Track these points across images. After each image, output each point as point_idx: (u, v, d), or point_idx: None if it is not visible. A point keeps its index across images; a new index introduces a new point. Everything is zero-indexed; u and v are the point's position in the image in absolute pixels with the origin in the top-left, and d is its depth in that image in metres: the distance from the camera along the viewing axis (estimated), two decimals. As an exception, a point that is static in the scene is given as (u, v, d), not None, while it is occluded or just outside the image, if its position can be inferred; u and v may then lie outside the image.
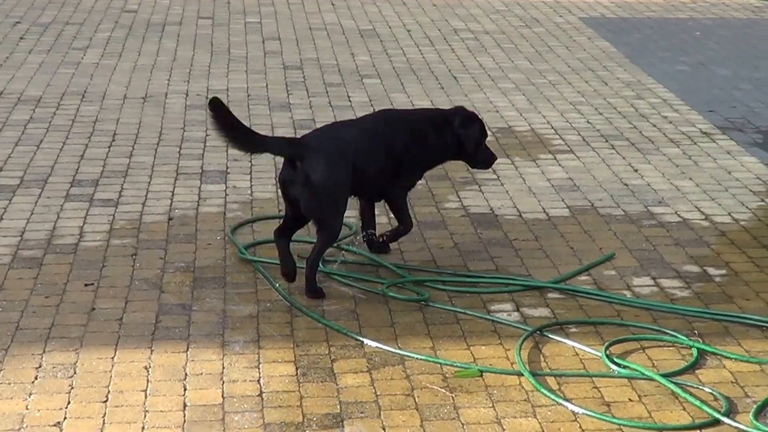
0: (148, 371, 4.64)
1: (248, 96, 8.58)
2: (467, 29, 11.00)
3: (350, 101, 8.50)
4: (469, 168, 7.03)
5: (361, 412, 4.37)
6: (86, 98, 8.46)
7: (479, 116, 5.93)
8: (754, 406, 4.45)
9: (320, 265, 5.54)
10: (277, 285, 5.38)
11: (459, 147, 5.79)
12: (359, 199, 5.79)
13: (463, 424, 4.30)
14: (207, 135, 7.63)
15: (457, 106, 6.04)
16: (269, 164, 7.07)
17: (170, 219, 6.21)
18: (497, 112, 8.35)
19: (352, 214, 6.30)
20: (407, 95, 8.68)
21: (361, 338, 4.92)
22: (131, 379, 4.57)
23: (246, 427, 4.26)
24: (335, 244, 5.81)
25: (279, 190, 5.73)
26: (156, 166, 7.04)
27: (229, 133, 5.27)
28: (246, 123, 7.76)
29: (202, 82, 8.94)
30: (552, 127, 8.00)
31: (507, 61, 9.82)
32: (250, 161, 7.11)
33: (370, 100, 8.53)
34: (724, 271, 5.75)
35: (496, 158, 5.96)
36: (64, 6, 11.56)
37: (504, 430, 4.28)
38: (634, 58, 10.06)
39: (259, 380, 4.58)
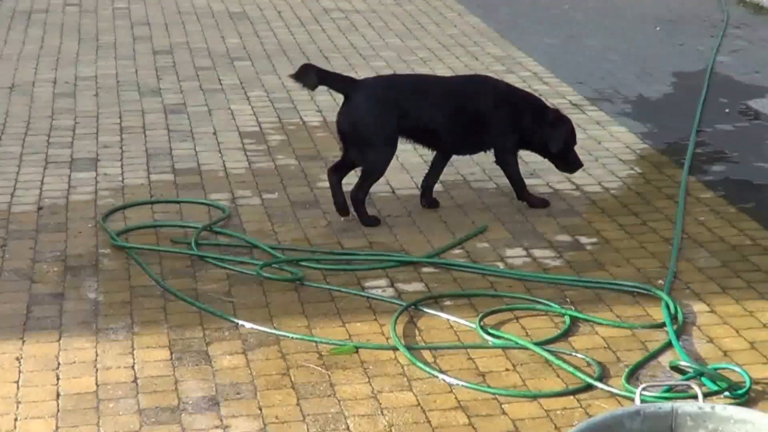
0: (19, 362, 4.56)
1: (118, 82, 8.48)
2: (338, 9, 10.99)
3: (221, 84, 8.45)
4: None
5: (237, 393, 4.35)
6: (-49, 89, 8.30)
7: (570, 123, 6.22)
8: (626, 370, 4.52)
9: (195, 247, 5.53)
10: (151, 270, 5.32)
11: (542, 144, 6.19)
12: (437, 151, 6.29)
13: (339, 401, 4.31)
14: (76, 123, 7.53)
15: (555, 107, 6.42)
16: (140, 150, 7.01)
17: (40, 208, 6.11)
18: (369, 90, 8.35)
19: (225, 196, 6.29)
20: (278, 77, 8.65)
21: (235, 320, 4.90)
22: (2, 371, 4.50)
23: (121, 413, 4.21)
24: (208, 228, 5.80)
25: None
26: (24, 155, 6.92)
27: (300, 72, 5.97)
28: (115, 109, 7.79)
29: (70, 70, 8.81)
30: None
31: (378, 39, 9.83)
32: (121, 148, 7.04)
33: (241, 83, 8.48)
34: (595, 240, 5.84)
35: (581, 166, 6.32)
36: (-75, -4, 11.32)
37: (380, 404, 4.29)
38: (504, 32, 10.14)
39: (133, 366, 4.54)
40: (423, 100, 6.06)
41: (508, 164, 6.21)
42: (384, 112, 5.96)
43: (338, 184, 5.99)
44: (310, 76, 5.95)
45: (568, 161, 6.27)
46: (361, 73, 8.75)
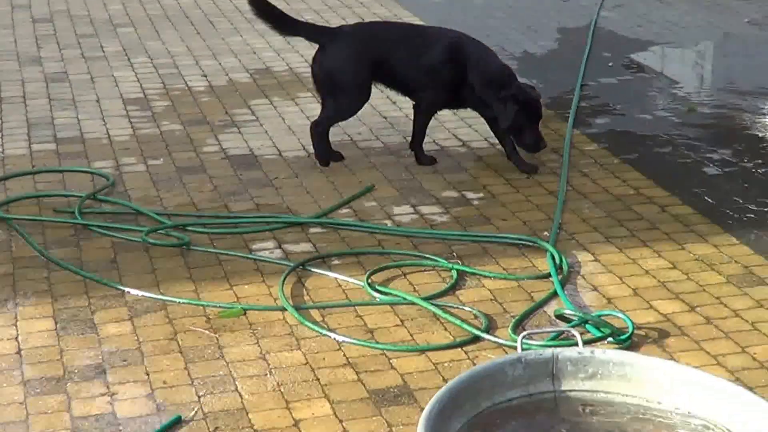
0: None
1: (-3, 52, 8.34)
2: (222, -27, 10.88)
3: (104, 51, 8.34)
4: (227, 111, 7.05)
5: (124, 360, 4.31)
6: None
7: (530, 101, 6.05)
8: (513, 321, 4.56)
9: (78, 216, 5.45)
10: (33, 241, 5.24)
11: (493, 117, 6.14)
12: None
13: (227, 363, 4.29)
14: (-45, 95, 7.39)
15: (528, 84, 6.29)
16: (20, 120, 6.89)
17: None
18: (254, 53, 8.31)
19: (109, 164, 6.21)
20: (162, 42, 8.57)
21: (121, 287, 4.85)
22: None
23: (5, 385, 4.15)
24: (92, 196, 5.73)
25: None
26: None
27: (267, 17, 6.21)
28: (-6, 79, 7.66)
29: (-52, 42, 8.64)
30: (310, 66, 7.99)
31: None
32: (1, 118, 6.91)
33: (125, 50, 8.37)
34: (481, 195, 5.87)
35: (542, 147, 6.11)
36: None
37: (269, 364, 4.28)
38: (389, -7, 10.13)
39: (17, 338, 4.46)
40: (396, 49, 6.12)
41: (421, 115, 6.25)
42: (358, 61, 6.08)
43: (324, 135, 6.22)
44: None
45: (523, 140, 6.10)
46: (246, 36, 8.72)
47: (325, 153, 6.19)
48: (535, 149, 6.13)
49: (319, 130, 6.19)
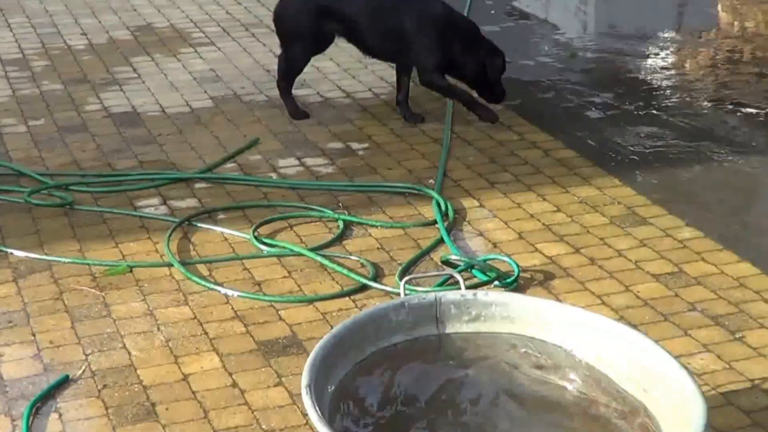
0: None
1: None
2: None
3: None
4: (109, 69, 6.96)
5: (9, 322, 4.26)
6: None
7: (503, 54, 6.08)
8: (399, 268, 4.58)
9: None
10: None
11: (473, 72, 6.03)
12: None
13: (114, 320, 4.26)
14: None
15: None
16: None
17: None
18: (135, 10, 8.21)
19: (-12, 126, 6.12)
20: (40, 1, 8.41)
21: (4, 249, 4.78)
22: None
23: None
24: (-28, 158, 5.65)
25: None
26: None
27: None
28: None
29: None
30: (191, 21, 7.93)
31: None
32: None
33: (1, 10, 8.19)
34: (366, 145, 5.88)
35: (505, 94, 6.15)
36: None
37: (156, 320, 4.26)
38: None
39: None
40: (352, 5, 6.08)
41: (435, 84, 6.09)
42: (308, 12, 6.10)
43: (286, 90, 6.31)
44: None
45: (496, 91, 6.10)
46: (126, -6, 8.62)
47: (293, 108, 6.23)
48: (502, 99, 6.16)
49: (282, 84, 6.27)
